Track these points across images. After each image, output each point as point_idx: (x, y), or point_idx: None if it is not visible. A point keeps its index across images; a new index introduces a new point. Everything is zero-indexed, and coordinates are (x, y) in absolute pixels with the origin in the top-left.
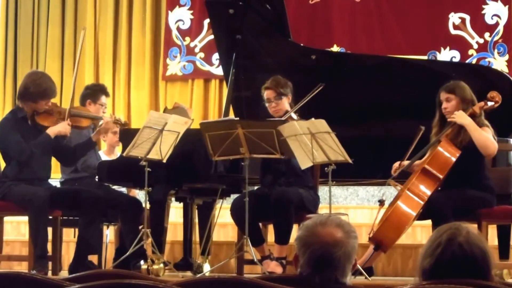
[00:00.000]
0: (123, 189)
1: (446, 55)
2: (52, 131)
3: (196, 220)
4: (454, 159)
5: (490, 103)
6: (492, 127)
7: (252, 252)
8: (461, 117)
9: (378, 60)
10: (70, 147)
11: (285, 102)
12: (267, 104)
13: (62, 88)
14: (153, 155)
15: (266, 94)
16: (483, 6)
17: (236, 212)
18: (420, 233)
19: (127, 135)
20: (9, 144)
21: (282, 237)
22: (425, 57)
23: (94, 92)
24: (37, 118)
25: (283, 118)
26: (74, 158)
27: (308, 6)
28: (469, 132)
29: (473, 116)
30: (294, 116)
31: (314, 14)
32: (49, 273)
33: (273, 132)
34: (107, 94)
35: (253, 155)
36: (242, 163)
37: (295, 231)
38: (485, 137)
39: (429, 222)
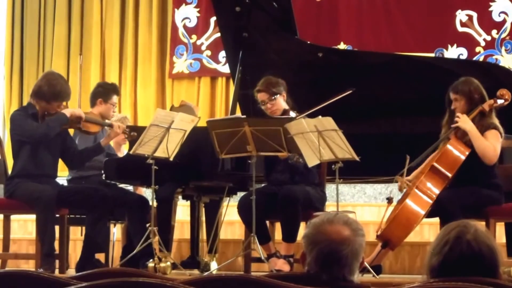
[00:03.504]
0: (130, 187)
1: (453, 52)
2: (68, 111)
3: (203, 218)
4: (463, 157)
5: (500, 101)
6: (500, 124)
7: (259, 250)
8: (464, 122)
9: (385, 58)
10: (78, 150)
11: (280, 101)
12: (262, 107)
13: None
14: (160, 153)
15: (259, 96)
16: (490, 3)
17: (243, 210)
18: (427, 231)
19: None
20: (24, 128)
21: (289, 235)
22: (432, 55)
23: (106, 91)
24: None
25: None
26: (81, 162)
27: (315, 4)
28: (470, 138)
29: (482, 114)
30: (293, 114)
31: (321, 12)
32: (56, 271)
33: (280, 130)
34: (118, 94)
35: (260, 153)
36: (249, 161)
37: (302, 229)
38: (485, 146)
39: (437, 220)
